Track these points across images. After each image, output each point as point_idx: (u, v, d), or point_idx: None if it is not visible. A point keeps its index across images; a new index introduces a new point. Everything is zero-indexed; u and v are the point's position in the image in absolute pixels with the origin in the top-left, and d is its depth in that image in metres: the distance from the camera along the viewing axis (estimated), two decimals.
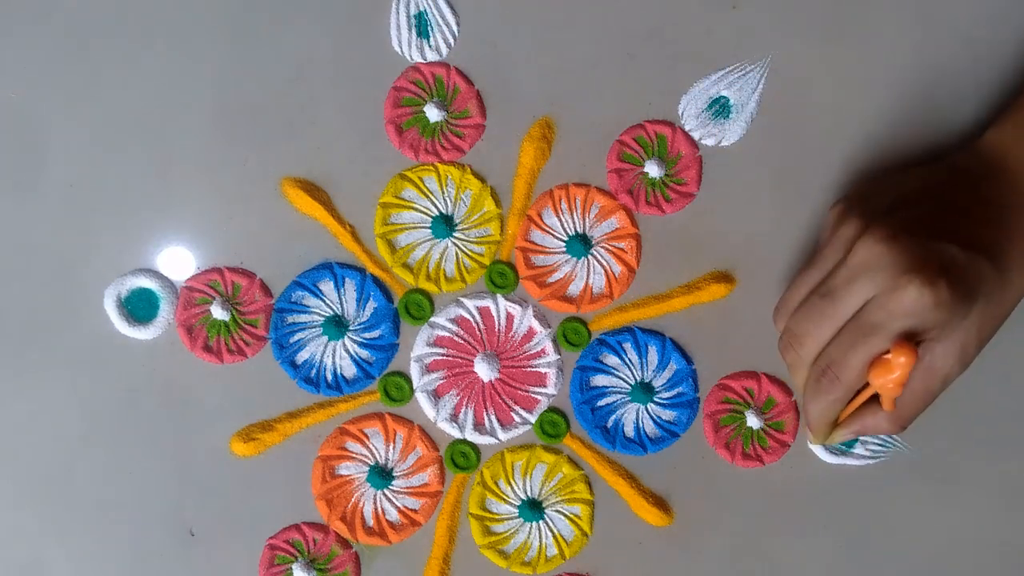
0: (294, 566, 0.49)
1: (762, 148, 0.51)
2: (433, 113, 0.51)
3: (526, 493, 0.50)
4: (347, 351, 0.50)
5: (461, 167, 0.51)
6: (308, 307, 0.50)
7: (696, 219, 0.51)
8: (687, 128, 0.51)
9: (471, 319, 0.51)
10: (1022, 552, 0.50)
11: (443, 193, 0.51)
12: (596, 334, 0.51)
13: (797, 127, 0.51)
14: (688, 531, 0.50)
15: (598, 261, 0.51)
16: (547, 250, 0.51)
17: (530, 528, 0.50)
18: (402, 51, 0.51)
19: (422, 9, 0.51)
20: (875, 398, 0.44)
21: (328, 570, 0.49)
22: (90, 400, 0.50)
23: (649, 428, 0.50)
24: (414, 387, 0.50)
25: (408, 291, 0.51)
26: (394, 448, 0.50)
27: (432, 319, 0.51)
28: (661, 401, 0.50)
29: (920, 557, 0.50)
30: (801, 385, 0.45)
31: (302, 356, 0.50)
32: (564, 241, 0.51)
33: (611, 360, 0.51)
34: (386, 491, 0.50)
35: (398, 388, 0.50)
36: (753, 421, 0.50)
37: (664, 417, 0.50)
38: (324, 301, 0.50)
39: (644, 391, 0.50)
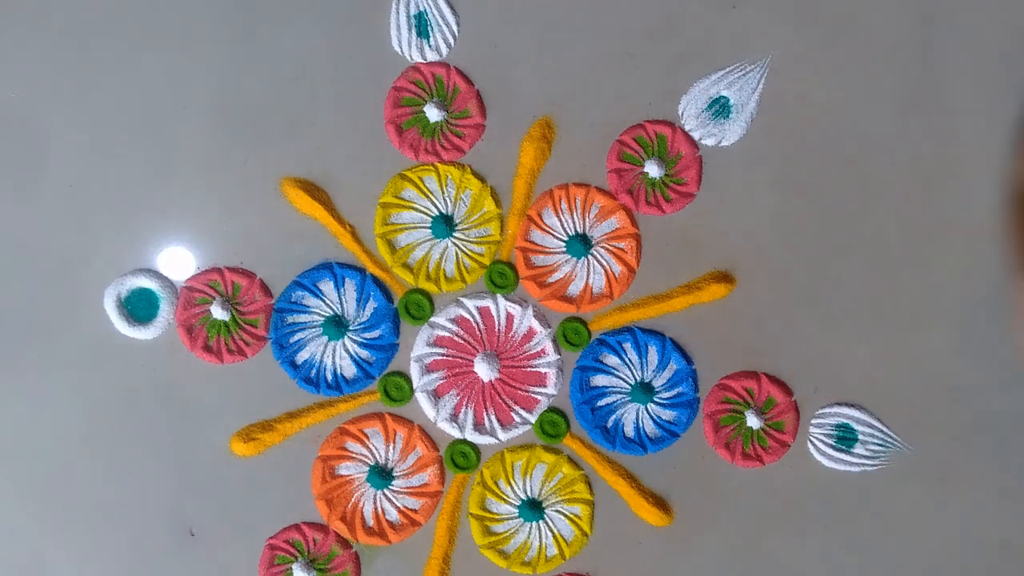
0: (294, 566, 0.49)
1: (762, 148, 0.51)
2: (433, 113, 0.51)
3: (526, 493, 0.50)
4: (347, 351, 0.50)
5: (461, 167, 0.51)
6: (308, 307, 0.50)
7: (696, 219, 0.51)
8: (687, 128, 0.51)
9: (471, 319, 0.51)
10: (1022, 552, 0.50)
11: (443, 193, 0.51)
12: (596, 334, 0.51)
13: (797, 127, 0.51)
14: (688, 531, 0.50)
15: (598, 261, 0.51)
16: (547, 250, 0.51)
17: (530, 528, 0.50)
18: (402, 51, 0.51)
19: (422, 9, 0.51)
20: None
21: (328, 570, 0.49)
22: (90, 400, 0.50)
23: (649, 428, 0.50)
24: (414, 387, 0.50)
25: (408, 291, 0.51)
26: (394, 448, 0.50)
27: (432, 319, 0.51)
28: (661, 401, 0.50)
29: (920, 557, 0.50)
30: None
31: (302, 356, 0.50)
32: (564, 241, 0.51)
33: (611, 360, 0.51)
34: (386, 491, 0.50)
35: (398, 388, 0.50)
36: (753, 421, 0.50)
37: (664, 417, 0.50)
38: (324, 301, 0.50)
39: (644, 391, 0.50)
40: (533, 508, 0.50)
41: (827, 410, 0.50)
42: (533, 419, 0.50)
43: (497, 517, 0.50)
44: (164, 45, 0.50)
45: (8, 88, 0.50)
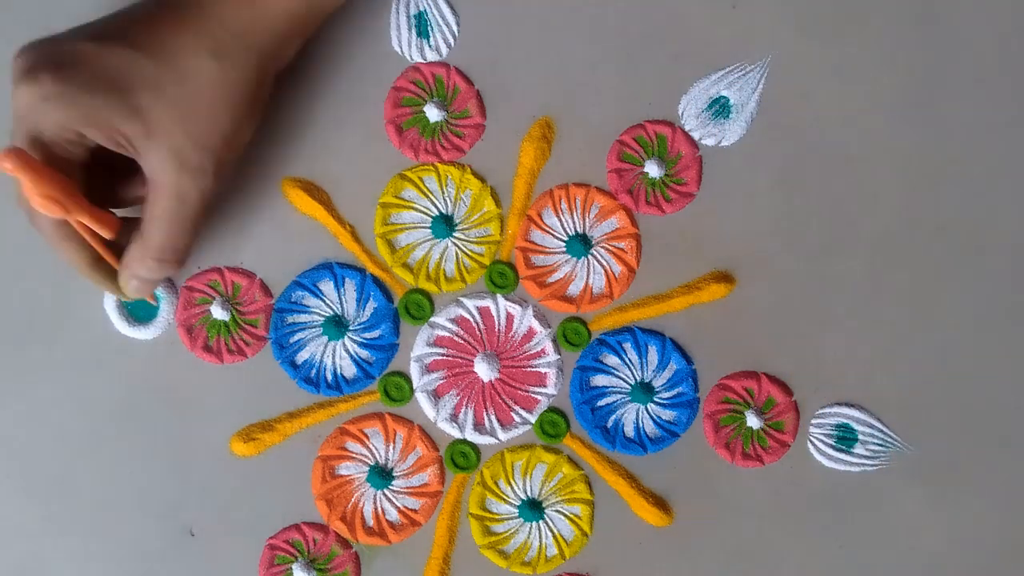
0: (294, 566, 0.49)
1: (762, 148, 0.51)
2: (433, 113, 0.51)
3: (526, 493, 0.50)
4: (347, 351, 0.50)
5: (461, 167, 0.51)
6: (308, 307, 0.50)
7: (696, 219, 0.51)
8: (687, 128, 0.51)
9: (471, 319, 0.51)
10: (1022, 552, 0.50)
11: (443, 193, 0.51)
12: (596, 334, 0.51)
13: (797, 127, 0.51)
14: (688, 531, 0.50)
15: (598, 261, 0.51)
16: (547, 250, 0.51)
17: (530, 528, 0.50)
18: (402, 51, 0.51)
19: (422, 9, 0.51)
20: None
21: (328, 570, 0.49)
22: (90, 400, 0.50)
23: (649, 428, 0.50)
24: (414, 387, 0.50)
25: (408, 291, 0.51)
26: (394, 448, 0.50)
27: (432, 319, 0.51)
28: (661, 401, 0.50)
29: (920, 557, 0.50)
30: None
31: (302, 356, 0.50)
32: (564, 241, 0.51)
33: (611, 360, 0.51)
34: (386, 491, 0.50)
35: (398, 388, 0.50)
36: (753, 421, 0.50)
37: (664, 417, 0.50)
38: (324, 301, 0.50)
39: (644, 391, 0.50)
40: (533, 508, 0.50)
41: (827, 410, 0.50)
42: (533, 419, 0.50)
43: (497, 517, 0.50)
44: None
45: (8, 87, 0.50)
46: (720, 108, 0.51)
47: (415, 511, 0.50)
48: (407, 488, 0.50)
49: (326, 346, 0.50)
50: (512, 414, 0.50)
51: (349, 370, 0.50)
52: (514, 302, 0.51)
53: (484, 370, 0.50)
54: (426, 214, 0.51)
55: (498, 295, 0.51)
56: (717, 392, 0.50)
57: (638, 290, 0.51)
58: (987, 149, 0.51)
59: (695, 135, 0.51)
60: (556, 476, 0.50)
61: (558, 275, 0.51)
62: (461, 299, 0.51)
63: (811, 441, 0.50)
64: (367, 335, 0.50)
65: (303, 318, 0.50)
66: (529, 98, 0.51)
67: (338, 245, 0.51)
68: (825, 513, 0.50)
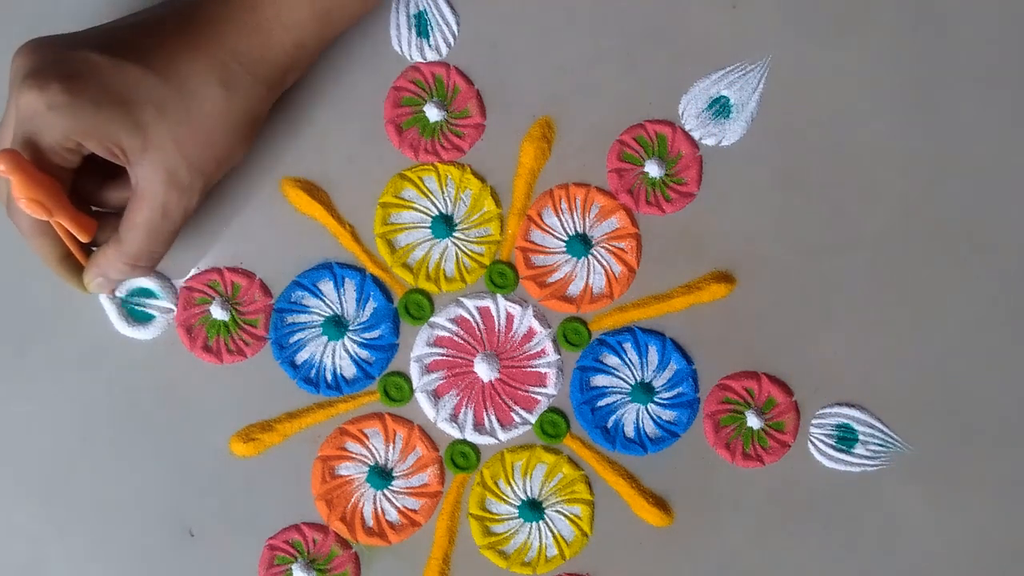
0: (294, 566, 0.49)
1: (762, 148, 0.51)
2: (433, 113, 0.51)
3: (526, 493, 0.50)
4: (347, 351, 0.50)
5: (461, 167, 0.51)
6: (308, 307, 0.50)
7: (696, 219, 0.51)
8: (687, 128, 0.51)
9: (471, 319, 0.51)
10: (1022, 552, 0.50)
11: (443, 193, 0.51)
12: (596, 334, 0.51)
13: (797, 127, 0.51)
14: (688, 531, 0.50)
15: (598, 261, 0.51)
16: (547, 250, 0.51)
17: (530, 528, 0.50)
18: (402, 51, 0.51)
19: (422, 9, 0.51)
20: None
21: (328, 570, 0.49)
22: (90, 400, 0.50)
23: (649, 428, 0.50)
24: (414, 387, 0.50)
25: (408, 291, 0.51)
26: (394, 448, 0.50)
27: (432, 319, 0.51)
28: (661, 401, 0.50)
29: (920, 557, 0.50)
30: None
31: (302, 356, 0.50)
32: (564, 241, 0.51)
33: (611, 360, 0.51)
34: (386, 491, 0.50)
35: (398, 388, 0.50)
36: (753, 421, 0.50)
37: (664, 417, 0.50)
38: (324, 301, 0.50)
39: (644, 391, 0.50)
40: (533, 508, 0.50)
41: (827, 410, 0.50)
42: (533, 419, 0.50)
43: (497, 517, 0.50)
44: None
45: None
46: (720, 108, 0.51)
47: (415, 511, 0.50)
48: (407, 488, 0.50)
49: (326, 346, 0.50)
50: (512, 414, 0.50)
51: (349, 370, 0.50)
52: (514, 302, 0.51)
53: (484, 370, 0.50)
54: (426, 214, 0.51)
55: (498, 295, 0.51)
56: (717, 392, 0.50)
57: (638, 290, 0.51)
58: (987, 149, 0.51)
59: (695, 135, 0.51)
60: (556, 476, 0.50)
61: (558, 275, 0.51)
62: (461, 299, 0.51)
63: (811, 441, 0.50)
64: (367, 335, 0.50)
65: (303, 318, 0.50)
66: (529, 98, 0.51)
67: (338, 245, 0.51)
68: (825, 513, 0.50)
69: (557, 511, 0.50)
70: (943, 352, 0.51)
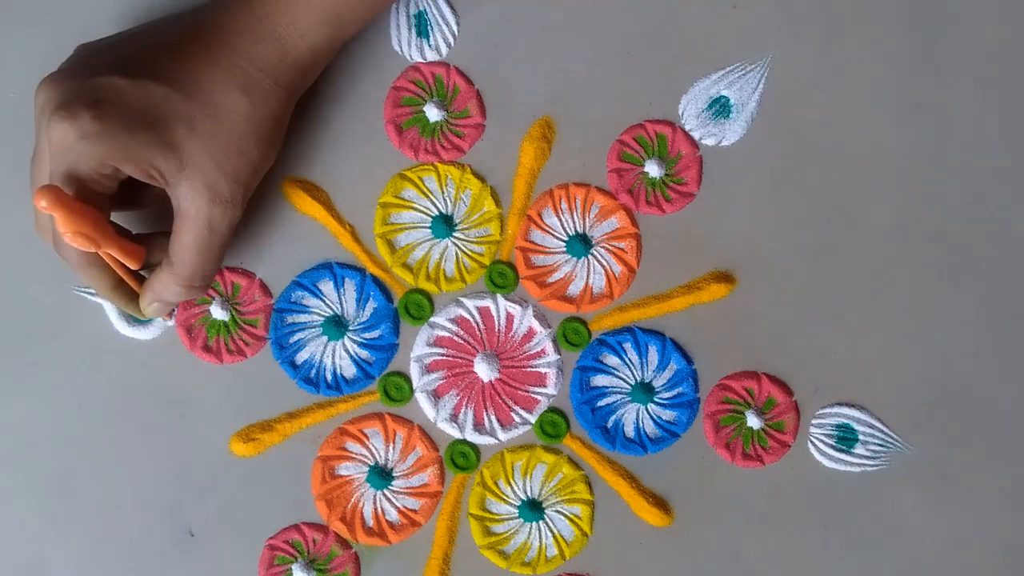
0: (294, 566, 0.49)
1: (762, 148, 0.51)
2: (433, 113, 0.51)
3: (526, 493, 0.50)
4: (347, 351, 0.50)
5: (461, 167, 0.51)
6: (308, 307, 0.50)
7: (696, 219, 0.51)
8: (687, 128, 0.51)
9: (471, 319, 0.51)
10: (1022, 552, 0.50)
11: (443, 193, 0.51)
12: (596, 334, 0.51)
13: (797, 127, 0.51)
14: (688, 531, 0.50)
15: (598, 261, 0.51)
16: (547, 250, 0.51)
17: (530, 528, 0.50)
18: (402, 51, 0.51)
19: (422, 9, 0.51)
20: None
21: (328, 570, 0.49)
22: (90, 400, 0.50)
23: (649, 428, 0.50)
24: (414, 387, 0.50)
25: (408, 291, 0.51)
26: (394, 448, 0.50)
27: (432, 319, 0.51)
28: (661, 401, 0.50)
29: (920, 557, 0.50)
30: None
31: (302, 356, 0.50)
32: (564, 241, 0.51)
33: (611, 360, 0.51)
34: (386, 491, 0.50)
35: (398, 388, 0.50)
36: (753, 421, 0.50)
37: (664, 417, 0.50)
38: (324, 301, 0.50)
39: (644, 391, 0.50)
40: (533, 508, 0.50)
41: (827, 410, 0.50)
42: (533, 419, 0.50)
43: (497, 517, 0.50)
44: None
45: (8, 88, 0.50)
46: (720, 108, 0.51)
47: (415, 511, 0.50)
48: (407, 488, 0.50)
49: (326, 346, 0.50)
50: (512, 414, 0.50)
51: (349, 370, 0.50)
52: (514, 302, 0.51)
53: (484, 370, 0.50)
54: (426, 214, 0.51)
55: (498, 295, 0.51)
56: (717, 392, 0.50)
57: (638, 290, 0.51)
58: (987, 149, 0.51)
59: (695, 135, 0.51)
60: (556, 476, 0.50)
61: (558, 275, 0.51)
62: (461, 299, 0.51)
63: (811, 441, 0.50)
64: (367, 335, 0.50)
65: (303, 318, 0.50)
66: (529, 98, 0.51)
67: (338, 245, 0.51)
68: (825, 513, 0.50)
69: (557, 511, 0.50)
70: (943, 352, 0.51)
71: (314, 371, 0.50)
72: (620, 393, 0.50)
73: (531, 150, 0.51)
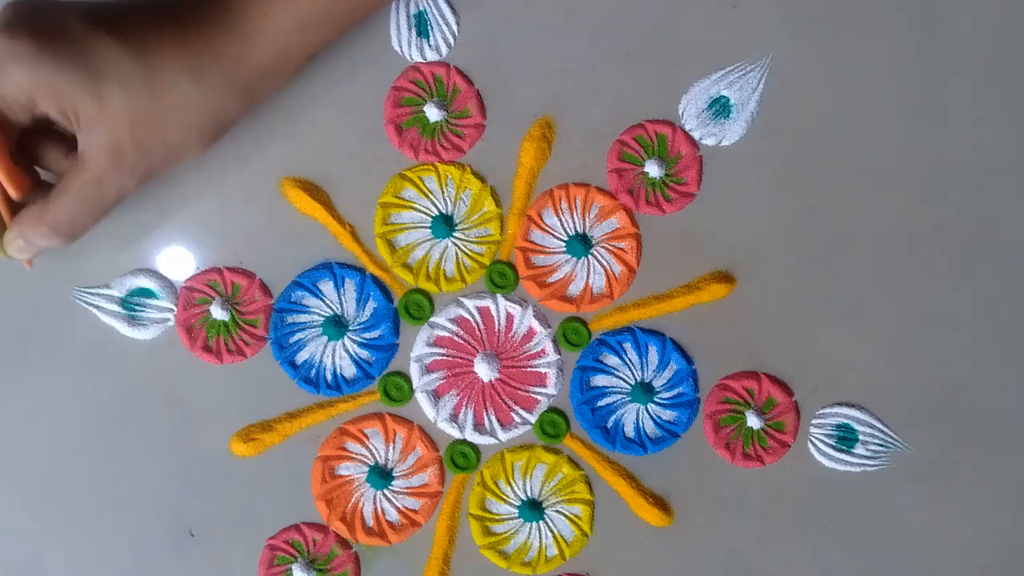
0: (294, 566, 0.49)
1: (762, 148, 0.51)
2: (433, 113, 0.50)
3: (526, 493, 0.50)
4: (347, 351, 0.50)
5: (461, 167, 0.51)
6: (308, 307, 0.50)
7: (696, 219, 0.51)
8: (687, 128, 0.51)
9: (471, 319, 0.51)
10: (1022, 552, 0.50)
11: (443, 193, 0.51)
12: (596, 334, 0.51)
13: (797, 127, 0.51)
14: (688, 531, 0.50)
15: (598, 261, 0.51)
16: (547, 250, 0.51)
17: (530, 528, 0.50)
18: (402, 51, 0.51)
19: (422, 9, 0.51)
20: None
21: (328, 570, 0.49)
22: (90, 400, 0.50)
23: (649, 428, 0.50)
24: (414, 387, 0.50)
25: (408, 291, 0.51)
26: (394, 448, 0.50)
27: (432, 319, 0.51)
28: (661, 401, 0.50)
29: (920, 557, 0.50)
30: None
31: (302, 356, 0.50)
32: (564, 241, 0.51)
33: (611, 360, 0.51)
34: (386, 491, 0.50)
35: (398, 388, 0.50)
36: (753, 421, 0.50)
37: (664, 417, 0.50)
38: (324, 301, 0.50)
39: (644, 391, 0.50)
40: (533, 508, 0.50)
41: (827, 410, 0.50)
42: (533, 419, 0.50)
43: (497, 517, 0.50)
44: None
45: None
46: (720, 108, 0.51)
47: (415, 511, 0.50)
48: (407, 488, 0.50)
49: (326, 346, 0.50)
50: (512, 414, 0.50)
51: (349, 370, 0.50)
52: (514, 302, 0.51)
53: (484, 370, 0.50)
54: (426, 214, 0.51)
55: (498, 295, 0.51)
56: (717, 392, 0.50)
57: (638, 290, 0.51)
58: (987, 149, 0.51)
59: (695, 135, 0.51)
60: (556, 476, 0.50)
61: (558, 275, 0.51)
62: (461, 299, 0.51)
63: (811, 441, 0.50)
64: (367, 335, 0.50)
65: (303, 318, 0.50)
66: (529, 98, 0.51)
67: (338, 245, 0.51)
68: (825, 513, 0.50)
69: (557, 511, 0.50)
70: (943, 352, 0.51)
71: (314, 371, 0.50)
72: (620, 393, 0.50)
73: (531, 150, 0.51)
